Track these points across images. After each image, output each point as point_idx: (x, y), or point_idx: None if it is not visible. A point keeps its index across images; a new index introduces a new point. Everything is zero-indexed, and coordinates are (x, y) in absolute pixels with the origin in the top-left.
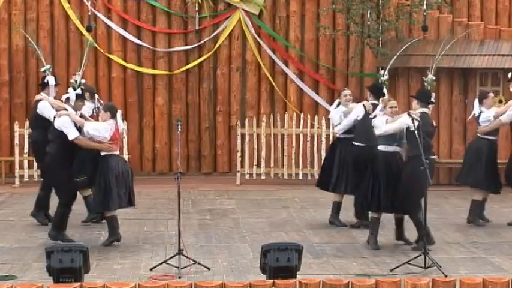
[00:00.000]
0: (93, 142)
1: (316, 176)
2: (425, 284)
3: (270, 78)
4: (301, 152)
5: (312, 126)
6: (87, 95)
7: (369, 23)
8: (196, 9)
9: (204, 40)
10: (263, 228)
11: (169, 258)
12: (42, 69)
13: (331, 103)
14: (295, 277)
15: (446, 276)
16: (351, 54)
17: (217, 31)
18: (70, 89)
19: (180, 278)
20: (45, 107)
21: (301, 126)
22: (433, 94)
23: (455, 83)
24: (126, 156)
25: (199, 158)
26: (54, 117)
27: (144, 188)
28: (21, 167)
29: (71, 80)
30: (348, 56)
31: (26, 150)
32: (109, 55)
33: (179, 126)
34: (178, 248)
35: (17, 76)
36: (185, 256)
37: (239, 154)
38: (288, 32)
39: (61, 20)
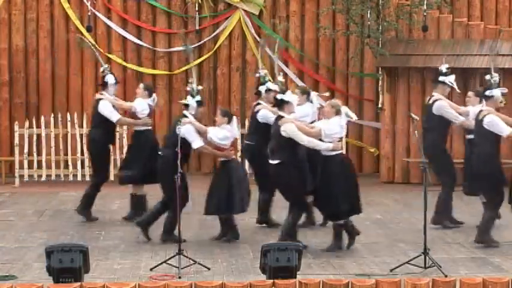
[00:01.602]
0: (215, 149)
1: None
2: (425, 284)
3: (270, 78)
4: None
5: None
6: (146, 93)
7: (368, 23)
8: (196, 9)
9: (204, 40)
10: (263, 228)
11: (169, 258)
12: (101, 68)
13: None
14: (295, 277)
15: (446, 276)
16: (351, 54)
17: (217, 31)
18: (189, 97)
19: (180, 278)
20: (105, 107)
21: None
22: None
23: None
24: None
25: (199, 158)
26: (116, 118)
27: (144, 188)
28: (21, 167)
29: (188, 88)
30: (348, 56)
31: (26, 150)
32: (109, 55)
33: (179, 126)
34: (179, 248)
35: (17, 76)
36: (185, 256)
37: (239, 154)
38: (288, 32)
39: (61, 20)
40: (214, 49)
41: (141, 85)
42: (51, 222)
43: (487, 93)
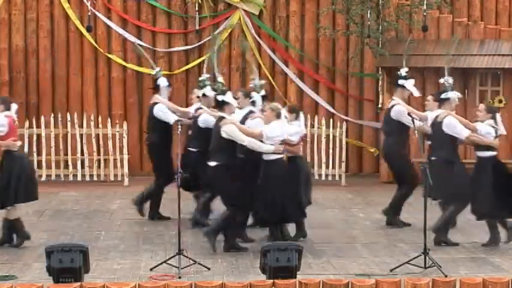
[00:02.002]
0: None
1: (317, 176)
2: (425, 284)
3: (270, 78)
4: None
5: (312, 126)
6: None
7: (368, 23)
8: (196, 9)
9: (204, 40)
10: (263, 228)
11: (169, 258)
12: (153, 71)
13: (331, 103)
14: (295, 277)
15: (446, 276)
16: (351, 55)
17: (217, 31)
18: (254, 93)
19: (180, 278)
20: (162, 110)
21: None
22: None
23: (455, 83)
24: (126, 156)
25: None
26: (178, 120)
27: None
28: None
29: (251, 85)
30: (348, 56)
31: (26, 150)
32: (109, 55)
33: (179, 126)
34: (178, 248)
35: (17, 76)
36: (185, 256)
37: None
38: (288, 32)
39: (61, 20)
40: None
41: (196, 90)
42: (51, 222)
43: (443, 96)
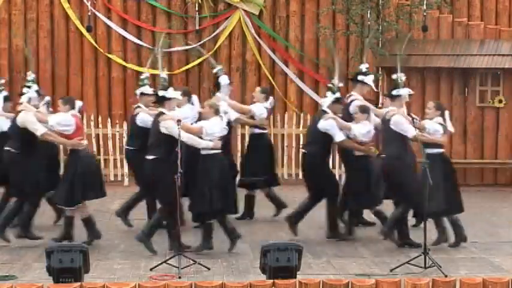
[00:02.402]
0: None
1: None
2: (425, 284)
3: (270, 78)
4: (301, 152)
5: None
6: (263, 96)
7: (368, 23)
8: (196, 9)
9: (204, 40)
10: (263, 228)
11: (169, 258)
12: (214, 70)
13: None
14: (295, 277)
15: (446, 276)
16: (351, 54)
17: (217, 31)
18: (328, 93)
19: (180, 278)
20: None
21: (301, 126)
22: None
23: (455, 83)
24: None
25: None
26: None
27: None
28: None
29: (329, 85)
30: (348, 56)
31: None
32: (109, 55)
33: (179, 127)
34: (179, 247)
35: (17, 76)
36: (185, 256)
37: (239, 154)
38: (288, 32)
39: (61, 20)
40: (214, 49)
41: (258, 89)
42: (51, 222)
43: (394, 92)
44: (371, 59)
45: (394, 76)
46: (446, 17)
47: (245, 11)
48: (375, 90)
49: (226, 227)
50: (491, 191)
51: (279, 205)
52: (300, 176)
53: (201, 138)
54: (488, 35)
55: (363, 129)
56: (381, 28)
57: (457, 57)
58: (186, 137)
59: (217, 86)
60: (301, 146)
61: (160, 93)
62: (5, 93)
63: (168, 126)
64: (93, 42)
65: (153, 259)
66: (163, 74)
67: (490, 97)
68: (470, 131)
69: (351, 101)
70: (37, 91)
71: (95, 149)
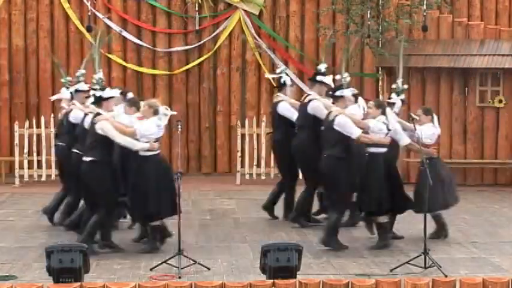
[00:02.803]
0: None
1: None
2: (425, 284)
3: (270, 78)
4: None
5: None
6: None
7: (368, 23)
8: (196, 9)
9: (204, 40)
10: (263, 228)
11: (170, 258)
12: (278, 70)
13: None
14: (295, 277)
15: (446, 276)
16: (351, 55)
17: (217, 31)
18: (393, 95)
19: (180, 278)
20: (286, 108)
21: None
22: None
23: (455, 83)
24: None
25: (199, 158)
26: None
27: None
28: (21, 167)
29: (393, 86)
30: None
31: (26, 150)
32: (109, 55)
33: (179, 126)
34: (179, 248)
35: (17, 76)
36: (185, 256)
37: (239, 154)
38: (288, 32)
39: (61, 20)
40: (214, 49)
41: (371, 103)
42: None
43: (338, 93)
44: (371, 59)
45: (338, 77)
46: (446, 17)
47: (245, 11)
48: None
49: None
50: (491, 191)
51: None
52: (300, 176)
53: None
54: (488, 35)
55: (428, 131)
56: (381, 28)
57: (457, 57)
58: (121, 139)
59: (279, 87)
60: None
61: (98, 93)
62: (72, 88)
63: (103, 127)
64: (93, 42)
65: (153, 259)
66: (100, 74)
67: (490, 97)
68: (470, 131)
69: (309, 100)
70: (122, 93)
71: None
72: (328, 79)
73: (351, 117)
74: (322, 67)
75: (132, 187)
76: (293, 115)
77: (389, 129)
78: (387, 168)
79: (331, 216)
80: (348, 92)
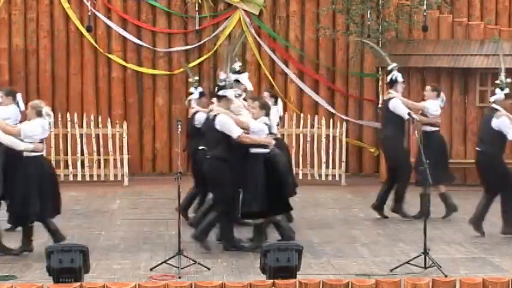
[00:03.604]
0: None
1: (317, 176)
2: (425, 284)
3: (270, 78)
4: (301, 152)
5: (312, 126)
6: (434, 93)
7: (368, 23)
8: (196, 9)
9: (204, 40)
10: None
11: (170, 258)
12: (389, 67)
13: (331, 103)
14: (295, 277)
15: (446, 276)
16: (350, 54)
17: (217, 31)
18: (497, 90)
19: (180, 278)
20: (397, 105)
21: (301, 126)
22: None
23: (455, 83)
24: (125, 156)
25: None
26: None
27: (144, 188)
28: None
29: (497, 81)
30: (348, 56)
31: None
32: (109, 55)
33: (179, 126)
34: (178, 248)
35: (17, 76)
36: (185, 256)
37: None
38: (288, 32)
39: (61, 20)
40: (215, 49)
41: (428, 87)
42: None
43: (221, 93)
44: (371, 59)
45: (222, 76)
46: (446, 17)
47: (245, 11)
48: (250, 88)
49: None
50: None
51: (450, 206)
52: (300, 176)
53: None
54: (488, 35)
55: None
56: (381, 28)
57: (457, 57)
58: (6, 139)
59: (391, 83)
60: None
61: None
62: (200, 89)
63: None
64: (93, 42)
65: (153, 259)
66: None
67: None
68: (470, 131)
69: (389, 99)
70: (201, 93)
71: (95, 148)
72: (243, 77)
73: (232, 117)
74: (237, 65)
75: (13, 187)
76: (404, 112)
77: (271, 132)
78: (271, 169)
79: (211, 215)
80: (230, 93)
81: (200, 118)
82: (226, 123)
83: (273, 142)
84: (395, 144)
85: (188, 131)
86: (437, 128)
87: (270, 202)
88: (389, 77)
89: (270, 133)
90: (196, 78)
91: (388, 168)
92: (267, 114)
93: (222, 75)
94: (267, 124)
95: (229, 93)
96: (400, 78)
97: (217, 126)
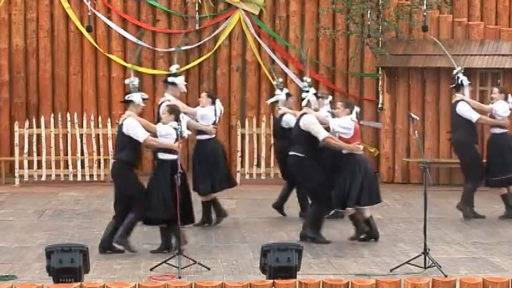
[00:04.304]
0: None
1: None
2: (425, 284)
3: (270, 78)
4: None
5: None
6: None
7: (369, 23)
8: (196, 9)
9: (204, 40)
10: (263, 228)
11: (169, 258)
12: (455, 71)
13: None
14: (295, 277)
15: (446, 276)
16: (350, 54)
17: (217, 31)
18: None
19: (180, 278)
20: (465, 108)
21: None
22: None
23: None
24: None
25: None
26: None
27: None
28: (21, 167)
29: None
30: (348, 56)
31: (26, 150)
32: (109, 55)
33: (179, 126)
34: (178, 248)
35: (17, 76)
36: (185, 256)
37: (239, 154)
38: (288, 32)
39: (61, 20)
40: (214, 49)
41: (495, 89)
42: (51, 222)
43: (127, 97)
44: (371, 59)
45: (127, 81)
46: (446, 17)
47: (245, 11)
48: (183, 91)
49: None
50: (491, 191)
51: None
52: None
53: None
54: (488, 35)
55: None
56: (381, 28)
57: (457, 57)
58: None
59: (457, 87)
60: None
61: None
62: (285, 90)
63: None
64: (93, 42)
65: (153, 259)
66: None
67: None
68: None
69: (161, 103)
70: (315, 94)
71: (94, 148)
72: (179, 80)
73: (140, 121)
74: (174, 68)
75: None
76: (472, 115)
77: (182, 136)
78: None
79: (130, 215)
80: (137, 97)
81: (287, 119)
82: (133, 128)
83: (176, 146)
84: (466, 148)
85: (275, 132)
86: (505, 130)
87: (172, 209)
88: (455, 81)
89: (182, 138)
90: (281, 80)
91: (461, 169)
92: (177, 119)
93: (127, 80)
94: (175, 128)
95: (136, 98)
96: (465, 81)
97: (124, 131)
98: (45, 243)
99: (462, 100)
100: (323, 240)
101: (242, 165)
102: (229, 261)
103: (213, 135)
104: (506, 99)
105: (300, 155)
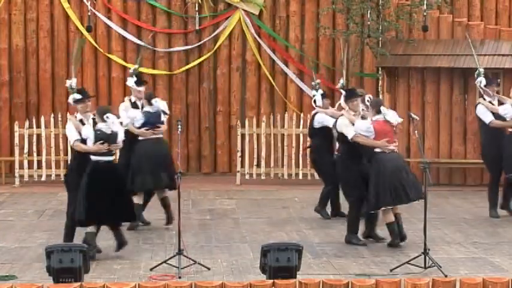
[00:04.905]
0: None
1: (317, 176)
2: (425, 284)
3: (270, 78)
4: (301, 152)
5: None
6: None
7: (369, 23)
8: (196, 9)
9: (204, 40)
10: (263, 228)
11: (169, 258)
12: (476, 72)
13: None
14: (295, 277)
15: (446, 276)
16: (350, 54)
17: (217, 31)
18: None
19: (180, 278)
20: (480, 111)
21: (301, 126)
22: None
23: (455, 83)
24: None
25: (199, 158)
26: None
27: None
28: (21, 167)
29: None
30: (348, 56)
31: (26, 150)
32: (109, 55)
33: (179, 126)
34: (178, 248)
35: (17, 76)
36: (185, 256)
37: (239, 154)
38: (288, 32)
39: (61, 20)
40: (214, 49)
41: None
42: (51, 222)
43: (71, 99)
44: (371, 59)
45: (67, 84)
46: (446, 17)
47: (245, 11)
48: (138, 90)
49: None
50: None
51: None
52: (300, 176)
53: None
54: (488, 35)
55: None
56: (381, 28)
57: (457, 57)
58: None
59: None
60: None
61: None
62: (321, 90)
63: None
64: (93, 42)
65: (153, 259)
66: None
67: None
68: (470, 131)
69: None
70: (322, 94)
71: None
72: (130, 81)
73: (74, 123)
74: (132, 69)
75: None
76: (486, 117)
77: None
78: (115, 178)
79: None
80: (70, 99)
81: (319, 119)
82: (67, 129)
83: (103, 148)
84: (488, 151)
85: (308, 131)
86: None
87: (107, 212)
88: (477, 83)
89: (101, 139)
90: (318, 81)
91: (488, 169)
92: (103, 121)
93: (68, 82)
94: (100, 130)
95: (70, 99)
96: (483, 82)
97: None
98: (45, 243)
99: (479, 103)
100: (358, 243)
101: (242, 165)
102: (229, 261)
103: (149, 136)
104: (149, 103)
105: (338, 154)
